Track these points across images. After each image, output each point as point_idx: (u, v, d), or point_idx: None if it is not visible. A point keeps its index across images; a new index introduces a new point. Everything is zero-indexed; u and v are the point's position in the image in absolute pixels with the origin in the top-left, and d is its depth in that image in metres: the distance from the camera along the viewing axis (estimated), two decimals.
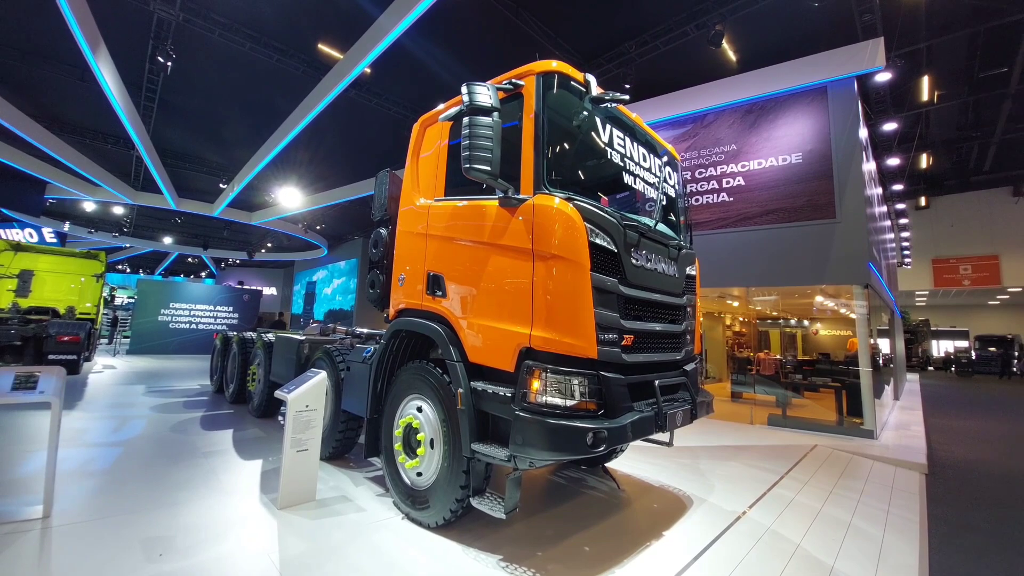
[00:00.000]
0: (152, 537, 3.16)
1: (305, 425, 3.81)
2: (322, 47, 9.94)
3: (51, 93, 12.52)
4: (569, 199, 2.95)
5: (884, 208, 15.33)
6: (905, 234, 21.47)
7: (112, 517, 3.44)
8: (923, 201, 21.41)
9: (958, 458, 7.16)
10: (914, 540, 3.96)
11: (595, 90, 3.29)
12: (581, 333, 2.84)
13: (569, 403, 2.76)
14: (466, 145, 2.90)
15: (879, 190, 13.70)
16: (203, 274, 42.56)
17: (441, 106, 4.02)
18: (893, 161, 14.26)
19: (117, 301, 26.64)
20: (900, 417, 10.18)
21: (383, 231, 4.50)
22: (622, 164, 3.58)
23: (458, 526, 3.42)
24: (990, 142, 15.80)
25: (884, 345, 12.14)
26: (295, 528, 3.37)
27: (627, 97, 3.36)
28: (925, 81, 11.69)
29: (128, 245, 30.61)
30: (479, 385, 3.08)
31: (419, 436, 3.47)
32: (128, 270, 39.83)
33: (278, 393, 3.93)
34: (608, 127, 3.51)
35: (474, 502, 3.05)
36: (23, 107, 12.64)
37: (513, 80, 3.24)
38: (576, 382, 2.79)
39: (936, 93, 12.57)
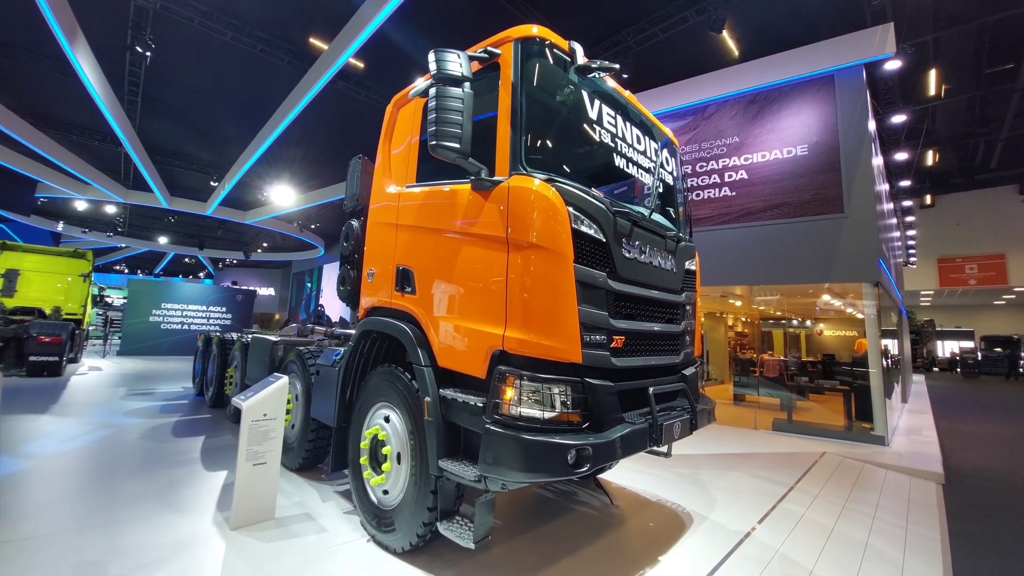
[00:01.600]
0: (84, 562, 2.81)
1: (263, 436, 3.44)
2: (306, 37, 9.57)
3: (34, 88, 12.15)
4: (550, 181, 2.59)
5: (890, 206, 14.93)
6: (911, 232, 21.07)
7: (47, 536, 3.10)
8: (928, 199, 21.02)
9: (975, 465, 6.76)
10: (937, 562, 3.58)
11: (581, 59, 2.91)
12: (563, 334, 2.47)
13: (548, 415, 2.38)
14: (432, 119, 2.53)
15: (886, 186, 13.30)
16: (201, 274, 42.27)
17: (418, 82, 3.65)
18: (900, 156, 13.86)
19: (115, 302, 26.29)
20: (910, 421, 9.77)
21: (354, 223, 4.14)
22: (613, 145, 3.20)
23: (428, 550, 3.04)
24: (997, 139, 15.41)
25: (892, 346, 11.73)
26: (245, 553, 3.00)
27: (617, 66, 2.99)
28: (932, 75, 11.33)
29: (124, 245, 30.32)
30: (448, 393, 2.71)
31: (385, 450, 3.10)
32: (125, 270, 39.55)
33: (234, 400, 3.57)
34: (597, 103, 3.12)
35: (441, 528, 2.67)
36: (6, 103, 12.28)
37: (489, 48, 2.87)
38: (556, 390, 2.42)
39: (943, 88, 12.19)
